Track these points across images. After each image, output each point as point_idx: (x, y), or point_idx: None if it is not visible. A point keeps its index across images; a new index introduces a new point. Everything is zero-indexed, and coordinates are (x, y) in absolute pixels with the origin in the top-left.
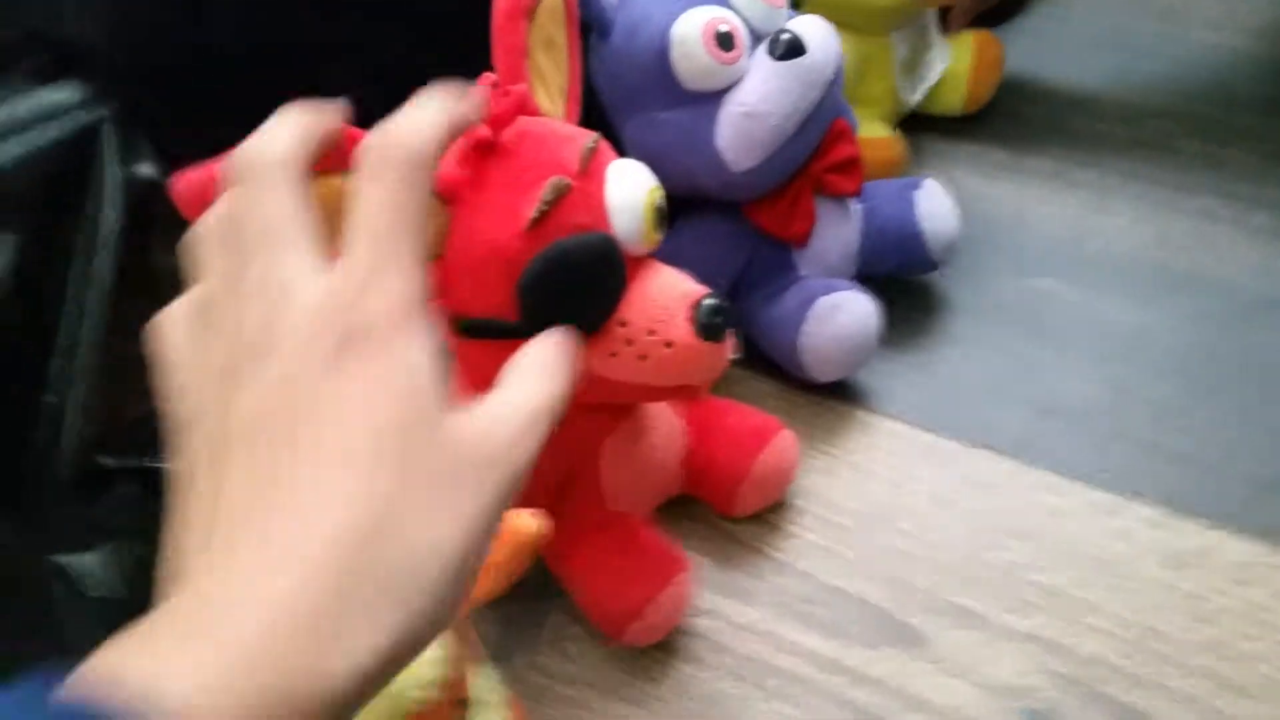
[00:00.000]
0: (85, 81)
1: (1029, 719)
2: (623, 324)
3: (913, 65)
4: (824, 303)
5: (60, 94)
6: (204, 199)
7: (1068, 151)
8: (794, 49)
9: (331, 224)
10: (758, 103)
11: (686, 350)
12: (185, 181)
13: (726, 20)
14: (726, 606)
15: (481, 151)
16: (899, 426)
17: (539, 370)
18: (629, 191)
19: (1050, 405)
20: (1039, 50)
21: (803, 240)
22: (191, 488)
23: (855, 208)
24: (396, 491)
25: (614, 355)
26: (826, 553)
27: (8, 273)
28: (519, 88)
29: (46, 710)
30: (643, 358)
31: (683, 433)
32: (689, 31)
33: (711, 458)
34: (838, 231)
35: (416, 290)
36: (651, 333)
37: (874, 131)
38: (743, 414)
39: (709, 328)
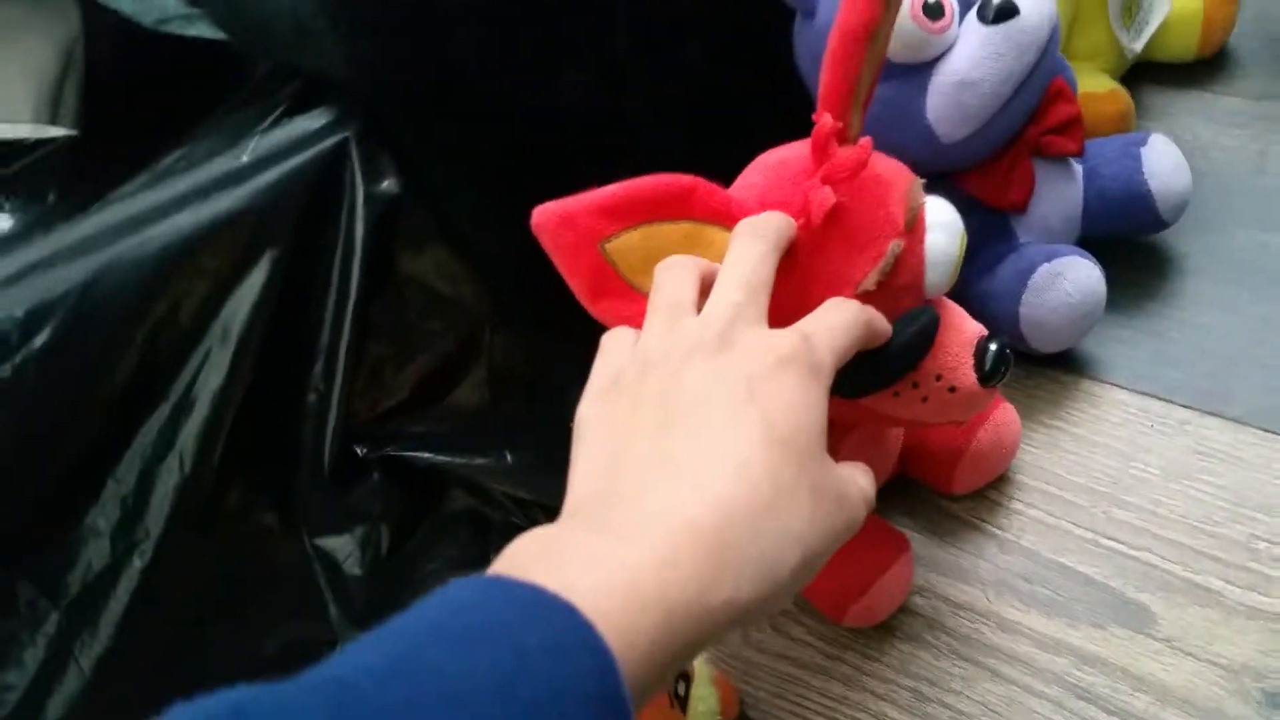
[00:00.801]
0: (332, 106)
1: (1270, 701)
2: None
3: (1132, 11)
4: (1045, 270)
5: (310, 121)
6: (565, 233)
7: None
8: (1006, 12)
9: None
10: (969, 70)
11: (968, 395)
12: (546, 216)
13: None
14: (945, 585)
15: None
16: (1127, 396)
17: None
18: (946, 246)
19: None
20: None
21: (1021, 207)
22: (591, 442)
23: (1077, 168)
24: (788, 486)
25: (897, 395)
26: (1051, 529)
27: (274, 285)
28: (865, 143)
29: (509, 591)
30: (925, 399)
31: None
32: None
33: (927, 435)
34: (1059, 195)
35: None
36: (939, 378)
37: (1095, 85)
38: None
39: (992, 375)
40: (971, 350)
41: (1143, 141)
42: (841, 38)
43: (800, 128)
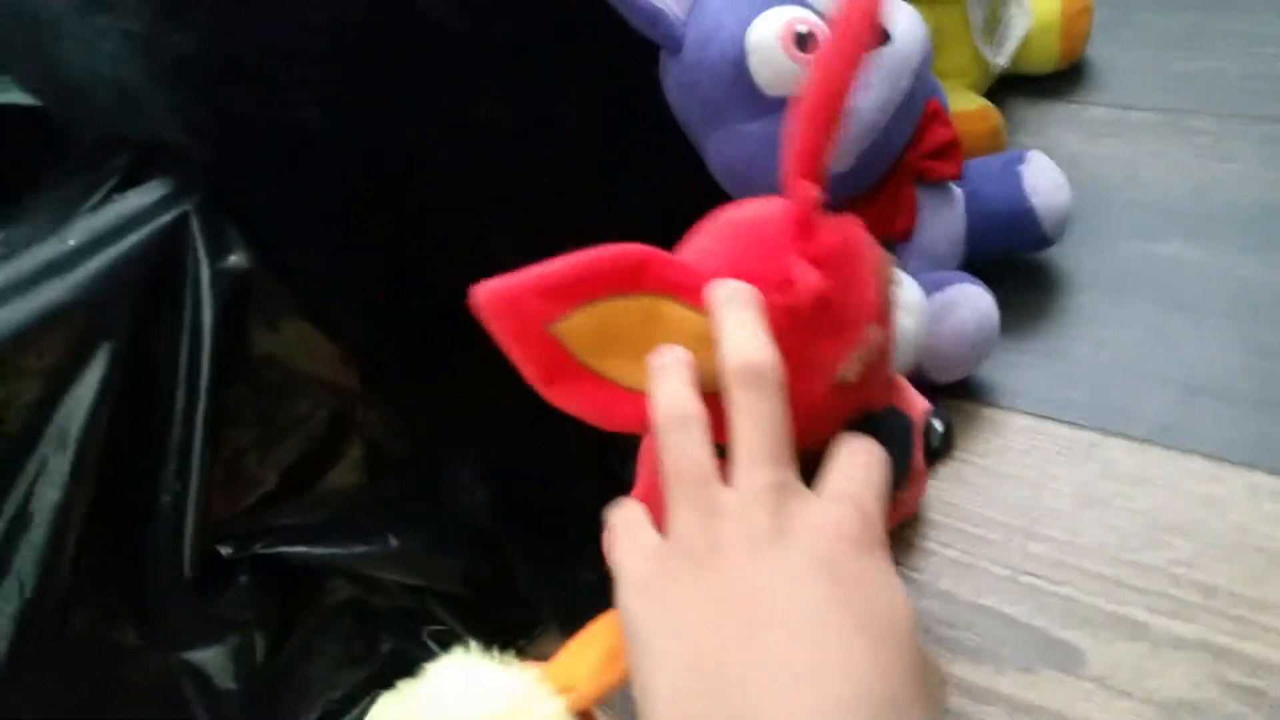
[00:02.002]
0: (167, 177)
1: None
2: None
3: (992, 26)
4: (937, 300)
5: (143, 195)
6: (510, 317)
7: (1176, 97)
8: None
9: (624, 340)
10: None
11: (914, 474)
12: (489, 298)
13: (804, 19)
14: None
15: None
16: (1031, 421)
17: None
18: (908, 330)
19: (1193, 381)
20: None
21: (907, 235)
22: (667, 653)
23: (957, 191)
24: (900, 689)
25: None
26: (967, 569)
27: (113, 381)
28: (854, 225)
29: None
30: None
31: None
32: (765, 36)
33: None
34: (942, 219)
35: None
36: None
37: (964, 103)
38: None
39: (937, 453)
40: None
41: (1022, 160)
42: (817, 97)
43: (688, 174)
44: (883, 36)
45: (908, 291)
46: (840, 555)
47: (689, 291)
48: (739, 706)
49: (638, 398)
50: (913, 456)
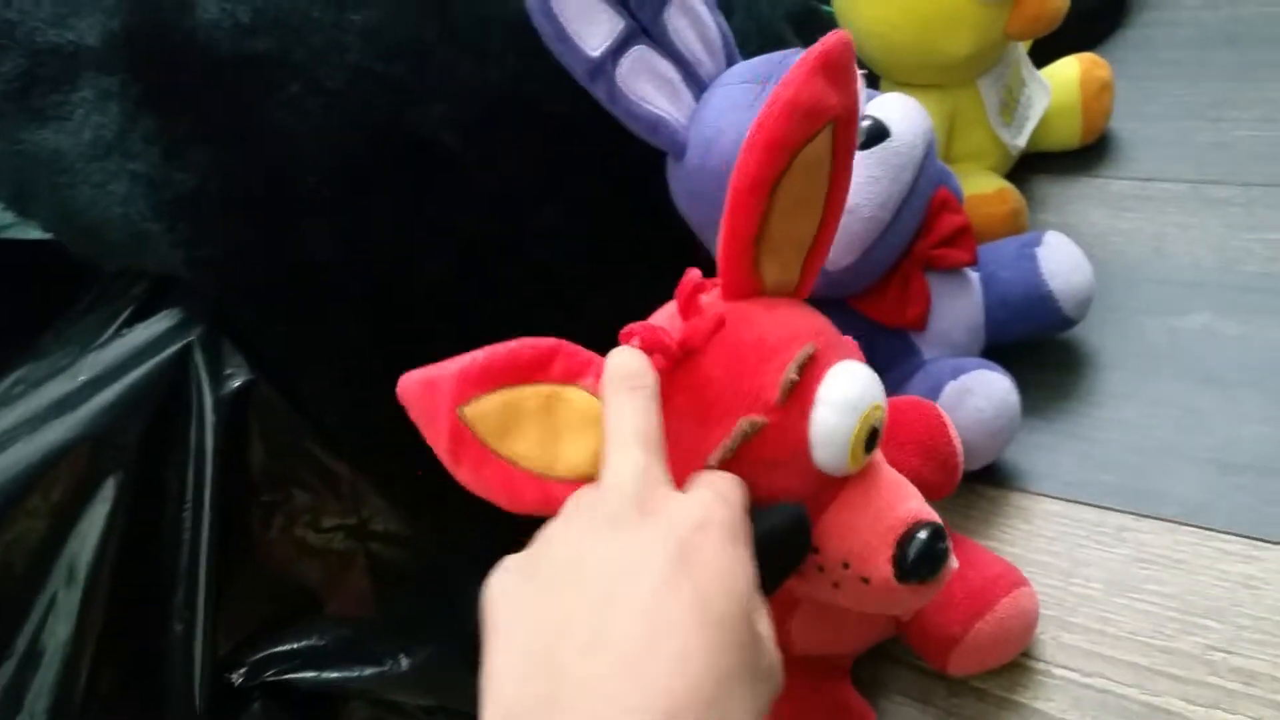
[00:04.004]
0: (175, 309)
1: None
2: (814, 550)
3: (1010, 108)
4: (952, 388)
5: (149, 328)
6: (426, 399)
7: (1201, 167)
8: (876, 135)
9: (527, 425)
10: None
11: (885, 590)
12: (410, 383)
13: None
14: None
15: (669, 373)
16: (1059, 505)
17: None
18: (835, 424)
19: (1226, 458)
20: (1150, 61)
21: (920, 324)
22: (512, 633)
23: (974, 276)
24: (728, 676)
25: (804, 577)
26: None
27: (121, 513)
28: (715, 313)
29: None
30: (836, 585)
31: None
32: None
33: (922, 615)
34: (958, 306)
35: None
36: (846, 565)
37: (983, 186)
38: (971, 556)
39: (912, 572)
40: (893, 540)
41: (1037, 242)
42: (734, 191)
43: (679, 273)
44: (881, 133)
45: (834, 388)
46: (692, 538)
47: (588, 377)
48: (567, 683)
49: (540, 480)
50: (788, 544)
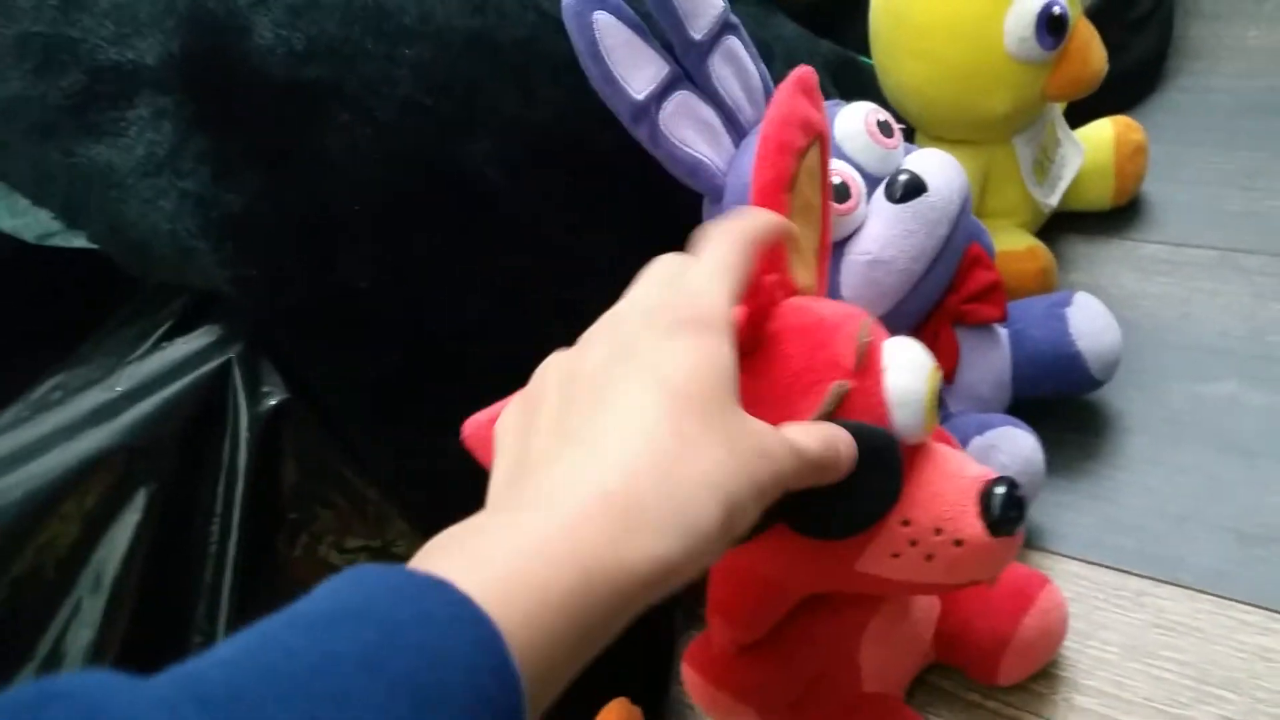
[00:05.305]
0: (215, 325)
1: None
2: (905, 523)
3: (1044, 166)
4: (978, 443)
5: (190, 343)
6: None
7: (1232, 233)
8: (913, 189)
9: None
10: (880, 250)
11: (978, 548)
12: (475, 427)
13: (838, 171)
14: None
15: (747, 351)
16: (1078, 567)
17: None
18: (909, 383)
19: (1248, 528)
20: (1183, 126)
21: (948, 377)
22: (504, 447)
23: (1003, 333)
24: (695, 437)
25: (896, 556)
26: None
27: (150, 524)
28: (771, 279)
29: (380, 576)
30: (929, 558)
31: (936, 599)
32: None
33: (968, 624)
34: (986, 362)
35: (729, 308)
36: (939, 531)
37: (1014, 242)
38: None
39: (1002, 523)
40: (975, 497)
41: (1067, 302)
42: (758, 193)
43: None
44: (919, 187)
45: (899, 351)
46: (653, 334)
47: None
48: (529, 477)
49: None
50: (897, 480)
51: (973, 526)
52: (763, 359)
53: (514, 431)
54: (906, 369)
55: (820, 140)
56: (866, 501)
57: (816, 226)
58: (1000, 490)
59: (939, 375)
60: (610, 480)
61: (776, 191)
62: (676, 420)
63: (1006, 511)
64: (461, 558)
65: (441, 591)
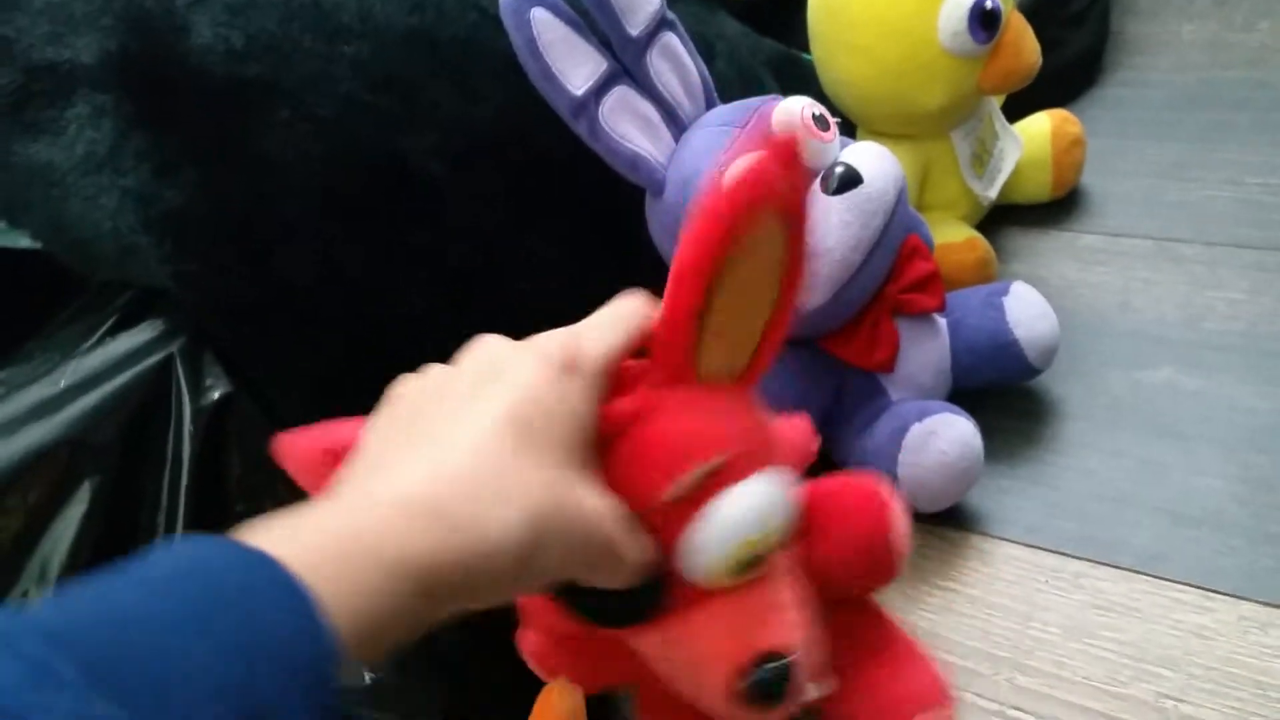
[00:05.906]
0: (157, 319)
1: None
2: (666, 660)
3: (983, 160)
4: (917, 430)
5: (133, 338)
6: (315, 469)
7: (1168, 224)
8: (848, 181)
9: None
10: (817, 241)
11: (719, 703)
12: (293, 448)
13: None
14: None
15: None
16: (1018, 550)
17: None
18: (717, 544)
19: (1183, 510)
20: (1121, 119)
21: (888, 366)
22: (366, 444)
23: (941, 322)
24: (513, 467)
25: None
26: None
27: (96, 515)
28: (634, 403)
29: (193, 544)
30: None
31: None
32: None
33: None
34: (926, 351)
35: (605, 363)
36: (690, 666)
37: (953, 235)
38: (901, 662)
39: (750, 700)
40: (737, 666)
41: (1005, 291)
42: (677, 271)
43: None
44: (854, 179)
45: (733, 505)
46: (516, 361)
47: None
48: (370, 469)
49: None
50: (641, 618)
51: (717, 688)
52: (617, 441)
53: (377, 431)
54: (720, 525)
55: (791, 220)
56: (616, 616)
57: (764, 311)
58: (766, 669)
59: (773, 538)
60: (420, 482)
61: (694, 278)
62: (509, 441)
63: (757, 695)
64: (281, 530)
65: (262, 559)
